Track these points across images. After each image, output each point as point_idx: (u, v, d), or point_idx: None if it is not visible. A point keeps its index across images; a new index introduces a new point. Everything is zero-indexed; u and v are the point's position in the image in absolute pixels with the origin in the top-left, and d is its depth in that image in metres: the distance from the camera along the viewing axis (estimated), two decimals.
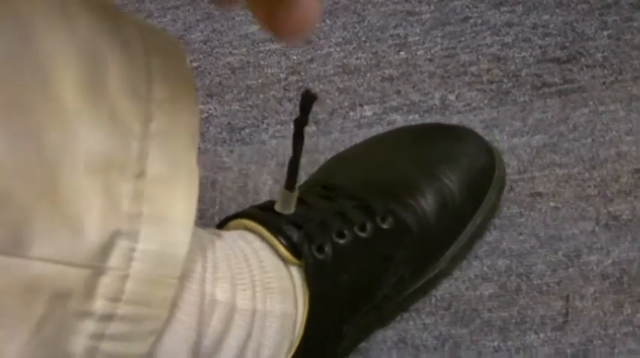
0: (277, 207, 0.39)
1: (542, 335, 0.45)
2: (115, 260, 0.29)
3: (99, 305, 0.29)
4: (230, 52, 0.61)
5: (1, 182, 0.26)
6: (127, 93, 0.29)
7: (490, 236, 0.48)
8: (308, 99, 0.34)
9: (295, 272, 0.39)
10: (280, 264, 0.38)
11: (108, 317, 0.30)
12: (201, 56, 0.61)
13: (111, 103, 0.29)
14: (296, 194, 0.38)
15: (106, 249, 0.29)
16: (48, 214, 0.27)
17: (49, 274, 0.28)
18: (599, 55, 0.56)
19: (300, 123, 0.35)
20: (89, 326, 0.29)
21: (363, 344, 0.45)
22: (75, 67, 0.28)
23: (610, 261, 0.47)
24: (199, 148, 0.56)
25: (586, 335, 0.44)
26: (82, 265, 0.28)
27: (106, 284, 0.29)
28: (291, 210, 0.39)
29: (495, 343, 0.45)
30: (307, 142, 0.57)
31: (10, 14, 0.26)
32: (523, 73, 0.56)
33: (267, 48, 0.61)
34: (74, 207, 0.28)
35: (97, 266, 0.29)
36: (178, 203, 0.31)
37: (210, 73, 0.60)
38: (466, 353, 0.45)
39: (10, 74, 0.26)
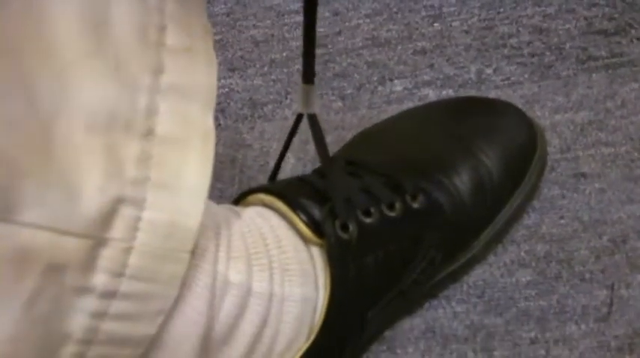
0: (299, 108, 0.35)
1: (583, 327, 0.41)
2: (117, 230, 0.26)
3: (100, 280, 0.27)
4: (254, 25, 0.58)
5: None
6: (135, 37, 0.26)
7: (529, 219, 0.45)
8: None
9: (316, 253, 0.36)
10: (300, 243, 0.35)
11: (110, 294, 0.27)
12: (223, 29, 0.58)
13: (116, 49, 0.26)
14: (315, 88, 0.34)
15: (107, 218, 0.26)
16: (40, 174, 0.24)
17: (42, 243, 0.25)
18: None
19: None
20: (89, 303, 0.27)
21: (387, 333, 0.42)
22: (73, 4, 0.25)
23: None
24: (219, 125, 0.54)
25: (632, 327, 0.41)
26: (80, 234, 0.25)
27: (107, 256, 0.26)
28: (313, 108, 0.35)
29: (532, 334, 0.41)
30: (333, 119, 0.55)
31: None
32: (567, 46, 0.52)
33: (292, 20, 0.58)
34: (70, 167, 0.25)
35: (96, 236, 0.26)
36: (191, 168, 0.28)
37: (232, 47, 0.57)
38: (500, 344, 0.41)
39: None
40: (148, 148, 0.27)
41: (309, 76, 0.33)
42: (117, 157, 0.26)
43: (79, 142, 0.25)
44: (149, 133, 0.27)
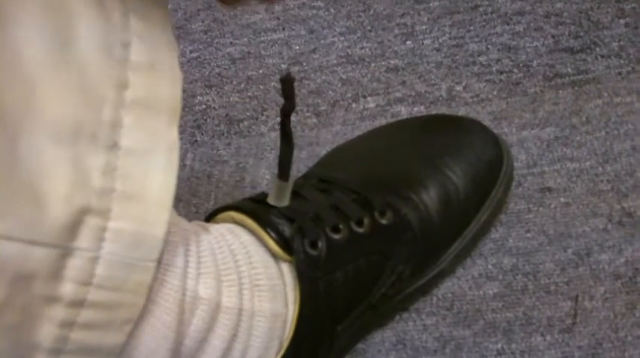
0: (270, 200, 0.37)
1: (548, 338, 0.42)
2: (83, 240, 0.27)
3: (67, 289, 0.27)
4: (231, 42, 0.60)
5: None
6: (99, 54, 0.27)
7: (496, 233, 0.46)
8: (288, 83, 0.32)
9: (286, 269, 0.37)
10: (270, 259, 0.36)
11: (78, 304, 0.28)
12: (201, 46, 0.60)
13: (80, 64, 0.27)
14: (290, 184, 0.36)
15: (73, 227, 0.27)
16: (6, 186, 0.25)
17: (10, 253, 0.25)
18: (614, 45, 0.53)
19: (287, 111, 0.33)
20: (58, 312, 0.28)
21: (359, 345, 0.43)
22: (39, 20, 0.26)
23: (622, 260, 0.44)
24: (196, 141, 0.55)
25: (595, 338, 0.42)
26: (47, 244, 0.26)
27: (74, 266, 0.27)
28: (285, 202, 0.37)
29: (499, 345, 0.42)
30: (308, 135, 0.56)
31: None
32: (534, 63, 0.53)
33: (269, 38, 0.59)
34: (36, 178, 0.26)
35: (63, 246, 0.27)
36: (155, 179, 0.29)
37: (210, 64, 0.58)
38: (468, 355, 0.42)
39: None
40: (113, 160, 0.28)
41: (284, 173, 0.35)
42: (82, 168, 0.27)
43: (44, 153, 0.26)
44: (114, 146, 0.28)
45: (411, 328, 0.44)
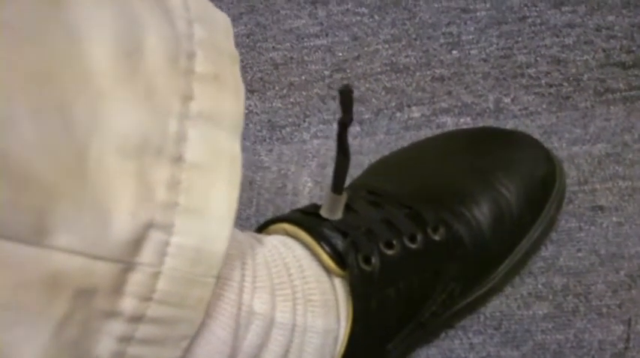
0: (323, 212, 0.36)
1: None
2: (146, 255, 0.27)
3: (128, 304, 0.27)
4: (273, 47, 0.59)
5: (24, 160, 0.23)
6: (166, 64, 0.27)
7: (546, 251, 0.45)
8: (347, 95, 0.31)
9: (339, 284, 0.36)
10: (323, 274, 0.36)
11: (137, 319, 0.27)
12: (243, 50, 0.59)
13: (148, 76, 0.26)
14: (344, 198, 0.36)
15: (137, 243, 0.26)
16: (74, 199, 0.24)
17: (74, 267, 0.25)
18: None
19: (345, 123, 0.32)
20: (117, 327, 0.27)
21: None
22: (109, 33, 0.25)
23: None
24: None
25: None
26: (110, 259, 0.26)
27: (136, 281, 0.27)
28: (338, 215, 0.36)
29: None
30: (351, 143, 0.55)
31: None
32: (585, 77, 0.52)
33: (311, 43, 0.58)
34: (103, 192, 0.25)
35: (126, 261, 0.26)
36: (218, 194, 0.28)
37: (252, 69, 0.58)
38: None
39: (37, 39, 0.24)
40: (177, 174, 0.27)
41: (339, 186, 0.34)
42: (147, 182, 0.26)
43: (111, 166, 0.25)
44: (179, 159, 0.27)
45: (457, 346, 0.43)
